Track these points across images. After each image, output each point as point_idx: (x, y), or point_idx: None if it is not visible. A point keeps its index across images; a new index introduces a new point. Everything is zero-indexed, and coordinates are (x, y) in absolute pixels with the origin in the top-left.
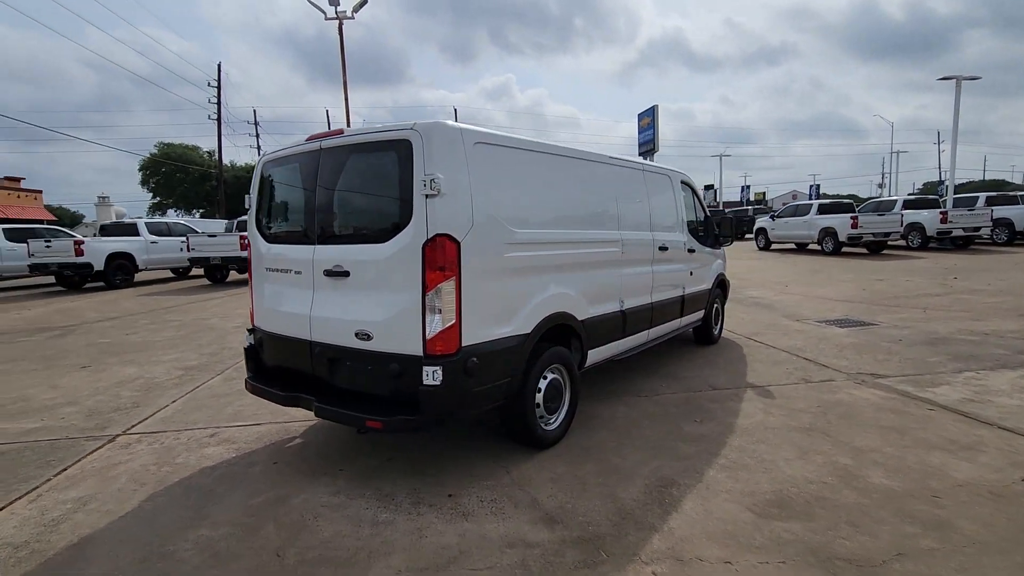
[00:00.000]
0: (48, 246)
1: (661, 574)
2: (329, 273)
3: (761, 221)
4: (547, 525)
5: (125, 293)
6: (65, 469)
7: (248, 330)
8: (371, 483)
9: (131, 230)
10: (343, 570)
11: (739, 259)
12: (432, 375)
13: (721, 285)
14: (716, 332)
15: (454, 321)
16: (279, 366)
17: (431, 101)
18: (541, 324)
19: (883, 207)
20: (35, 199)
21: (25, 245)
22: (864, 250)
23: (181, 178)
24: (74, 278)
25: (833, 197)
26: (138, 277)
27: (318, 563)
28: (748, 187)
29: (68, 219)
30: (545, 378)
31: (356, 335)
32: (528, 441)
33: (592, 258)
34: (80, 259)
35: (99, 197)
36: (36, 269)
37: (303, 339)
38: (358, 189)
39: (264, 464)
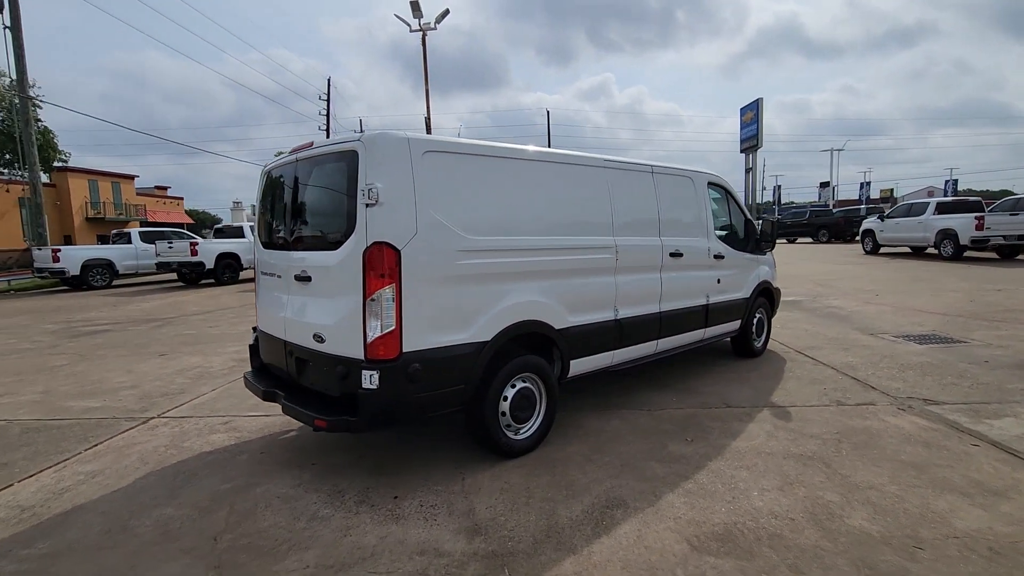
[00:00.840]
0: (171, 247)
1: None
2: (298, 278)
3: (869, 222)
4: (469, 536)
5: (229, 289)
6: (95, 445)
7: (253, 329)
8: (332, 479)
9: (238, 232)
10: (260, 559)
11: (835, 264)
12: (370, 379)
13: (765, 294)
14: (759, 345)
15: (393, 327)
16: (269, 364)
17: (528, 104)
18: (505, 332)
19: (1021, 205)
20: (177, 205)
21: (154, 246)
22: (994, 255)
23: None
24: (191, 275)
25: (979, 193)
26: (245, 275)
27: (243, 550)
28: (868, 184)
29: (210, 221)
30: (514, 387)
31: (313, 337)
32: (493, 449)
33: (574, 265)
34: (194, 258)
35: (233, 202)
36: (161, 267)
37: (281, 339)
38: (318, 198)
39: (252, 454)
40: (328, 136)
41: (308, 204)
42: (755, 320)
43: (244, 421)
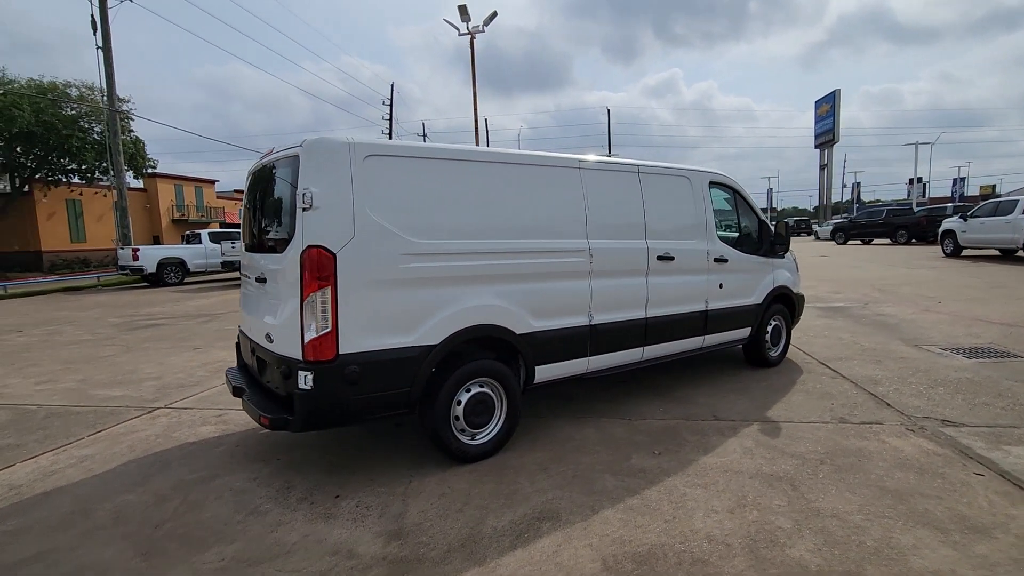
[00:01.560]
0: (233, 247)
1: None
2: (258, 279)
3: (949, 222)
4: (387, 540)
5: None
6: (98, 432)
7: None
8: (287, 475)
9: None
10: (185, 549)
11: (905, 267)
12: (304, 379)
13: (783, 300)
14: (774, 354)
15: (329, 329)
16: (246, 361)
17: (592, 103)
18: (455, 336)
19: None
20: None
21: (220, 246)
22: None
23: None
24: None
25: None
26: None
27: (175, 539)
28: (962, 180)
29: None
30: (469, 391)
31: (266, 337)
32: (445, 452)
33: (538, 268)
34: None
35: None
36: (226, 265)
37: (248, 338)
38: (272, 203)
39: (229, 446)
40: (390, 138)
41: (265, 208)
42: (770, 328)
43: (236, 415)
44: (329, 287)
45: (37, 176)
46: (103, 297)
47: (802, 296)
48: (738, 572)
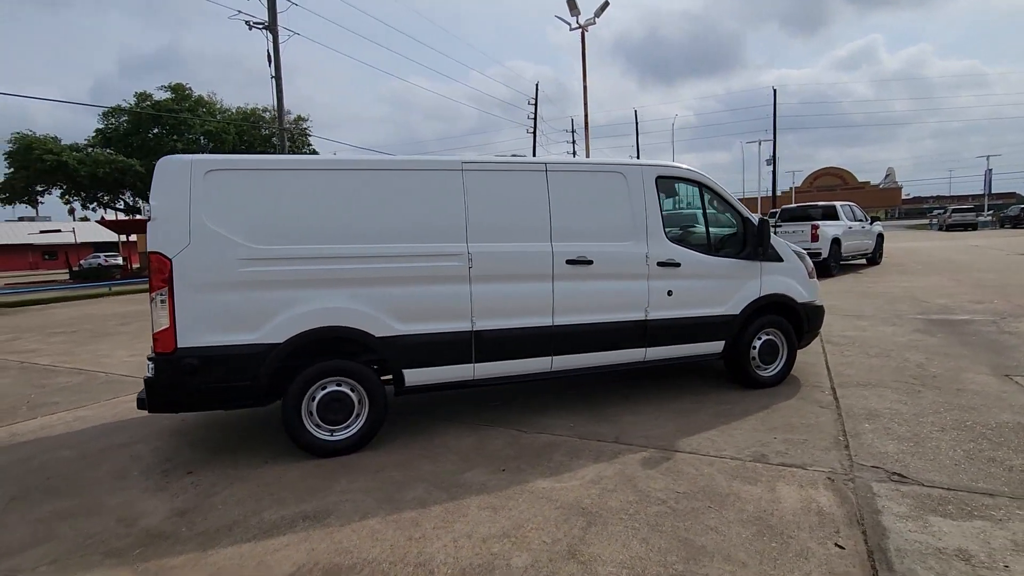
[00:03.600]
0: None
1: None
2: None
3: None
4: (171, 515)
5: None
6: (113, 398)
7: None
8: (184, 450)
9: None
10: (40, 495)
11: None
12: (149, 368)
13: (781, 311)
14: (767, 373)
15: (167, 325)
16: None
17: (768, 83)
18: (302, 336)
19: None
20: None
21: None
22: None
23: None
24: None
25: None
26: None
27: (45, 490)
28: None
29: None
30: (324, 388)
31: None
32: (297, 445)
33: (400, 272)
34: None
35: None
36: None
37: None
38: None
39: (176, 421)
40: (535, 140)
41: None
42: (757, 343)
43: None
44: (167, 288)
45: None
46: None
47: (819, 308)
48: None
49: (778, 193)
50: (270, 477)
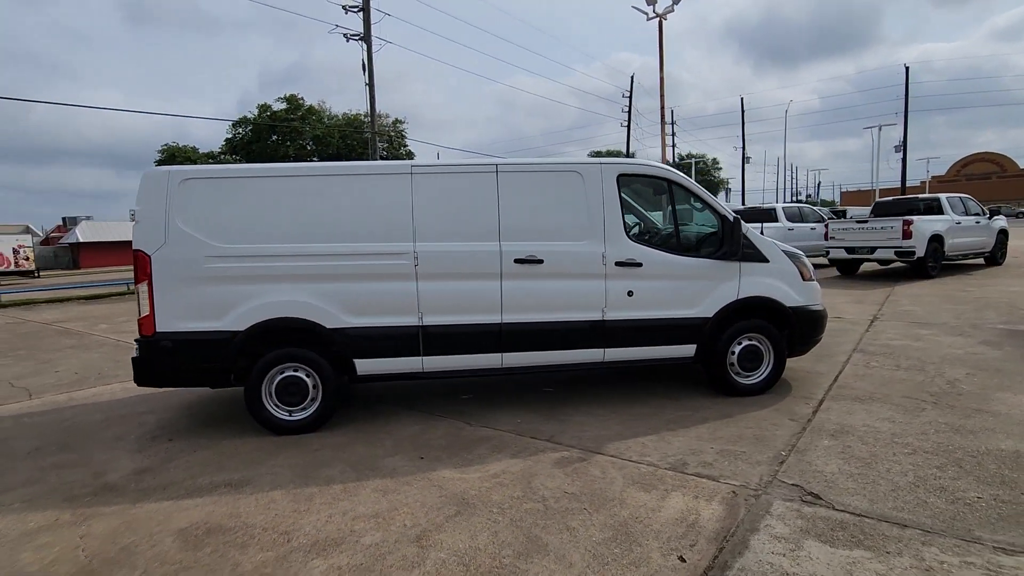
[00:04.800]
0: None
1: None
2: None
3: None
4: (134, 473)
5: None
6: None
7: None
8: (180, 421)
9: None
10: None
11: None
12: (135, 349)
13: (766, 314)
14: (748, 381)
15: (147, 313)
16: None
17: (908, 59)
18: (260, 325)
19: None
20: None
21: None
22: None
23: None
24: None
25: None
26: None
27: (56, 446)
28: None
29: None
30: (282, 373)
31: None
32: (257, 422)
33: (353, 270)
34: None
35: None
36: None
37: None
38: None
39: (190, 394)
40: (629, 133)
41: None
42: (737, 348)
43: None
44: (147, 281)
45: None
46: None
47: (817, 312)
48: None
49: (908, 184)
50: (229, 448)
